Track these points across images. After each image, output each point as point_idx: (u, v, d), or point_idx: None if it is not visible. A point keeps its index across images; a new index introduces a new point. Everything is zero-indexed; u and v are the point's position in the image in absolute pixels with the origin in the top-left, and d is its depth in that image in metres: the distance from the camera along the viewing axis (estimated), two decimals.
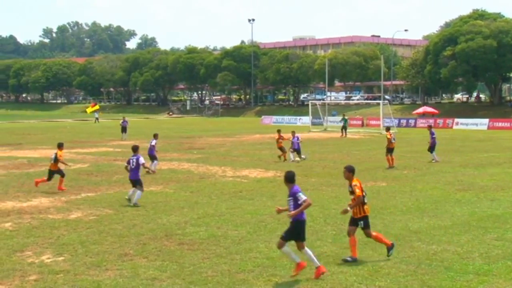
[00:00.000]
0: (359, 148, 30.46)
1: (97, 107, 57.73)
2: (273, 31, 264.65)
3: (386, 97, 66.81)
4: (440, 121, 53.40)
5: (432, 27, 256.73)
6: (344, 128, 41.21)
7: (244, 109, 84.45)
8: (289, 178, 8.85)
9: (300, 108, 72.86)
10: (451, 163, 23.12)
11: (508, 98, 68.80)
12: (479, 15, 64.78)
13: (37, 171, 20.95)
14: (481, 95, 71.92)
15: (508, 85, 72.38)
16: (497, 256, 9.89)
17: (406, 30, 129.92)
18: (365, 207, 9.71)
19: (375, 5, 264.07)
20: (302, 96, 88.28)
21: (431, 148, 23.85)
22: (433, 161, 23.32)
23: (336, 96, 76.77)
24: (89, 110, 57.07)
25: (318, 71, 72.29)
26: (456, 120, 52.55)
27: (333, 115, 57.04)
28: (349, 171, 9.69)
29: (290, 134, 24.91)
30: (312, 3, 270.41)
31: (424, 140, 32.76)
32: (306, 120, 54.99)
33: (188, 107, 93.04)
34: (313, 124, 51.78)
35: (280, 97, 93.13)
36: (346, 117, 43.90)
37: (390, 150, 22.16)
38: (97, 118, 59.78)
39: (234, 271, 9.11)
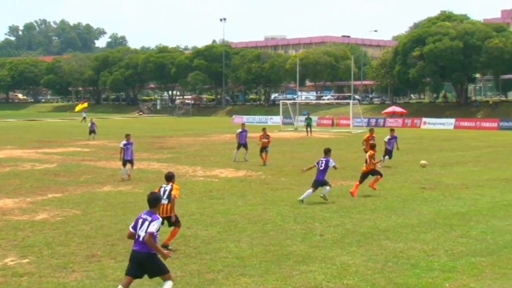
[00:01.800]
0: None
1: (85, 105, 56.64)
2: (245, 30, 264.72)
3: (356, 97, 67.46)
4: (408, 120, 54.30)
5: (401, 28, 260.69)
6: (308, 126, 41.69)
7: (215, 109, 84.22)
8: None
9: (271, 108, 73.01)
10: (418, 162, 23.47)
11: (473, 98, 70.34)
12: (446, 16, 66.09)
13: (1, 172, 20.47)
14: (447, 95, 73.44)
15: (474, 85, 73.97)
16: (461, 253, 10.10)
17: (375, 31, 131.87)
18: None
19: (345, 6, 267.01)
20: (273, 95, 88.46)
21: (387, 152, 22.36)
22: (380, 164, 22.33)
23: (307, 96, 77.14)
24: (77, 108, 56.05)
25: (289, 71, 72.60)
26: (423, 119, 53.50)
27: (305, 115, 57.44)
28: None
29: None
30: (284, 3, 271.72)
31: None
32: (277, 119, 55.16)
33: (158, 107, 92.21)
34: (284, 123, 51.99)
35: (251, 96, 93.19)
36: (310, 116, 44.41)
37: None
38: (84, 118, 58.47)
39: (204, 271, 9.07)
